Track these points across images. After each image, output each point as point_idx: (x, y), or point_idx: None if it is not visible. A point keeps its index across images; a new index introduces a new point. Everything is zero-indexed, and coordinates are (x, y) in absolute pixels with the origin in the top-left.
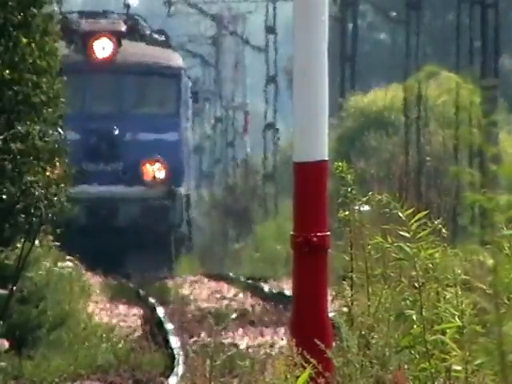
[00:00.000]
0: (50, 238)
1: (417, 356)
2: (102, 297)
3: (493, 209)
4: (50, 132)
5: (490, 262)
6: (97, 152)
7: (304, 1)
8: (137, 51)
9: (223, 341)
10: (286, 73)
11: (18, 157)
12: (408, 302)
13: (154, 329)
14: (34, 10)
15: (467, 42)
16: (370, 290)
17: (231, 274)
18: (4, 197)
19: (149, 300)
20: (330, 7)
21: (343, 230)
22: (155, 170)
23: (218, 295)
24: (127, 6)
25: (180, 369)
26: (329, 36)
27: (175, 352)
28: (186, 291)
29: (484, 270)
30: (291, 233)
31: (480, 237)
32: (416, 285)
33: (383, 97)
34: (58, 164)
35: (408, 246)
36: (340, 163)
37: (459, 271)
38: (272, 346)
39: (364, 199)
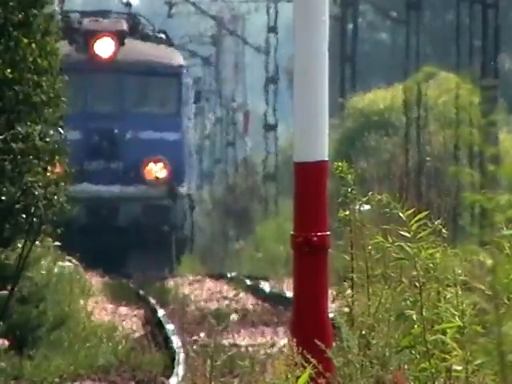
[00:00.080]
0: (50, 238)
1: (417, 356)
2: (102, 297)
3: (493, 209)
4: (51, 132)
5: (489, 262)
6: (98, 151)
7: (304, 1)
8: (138, 50)
9: (224, 341)
10: (287, 73)
11: (19, 157)
12: (408, 302)
13: (155, 329)
14: (35, 10)
15: (467, 42)
16: (371, 289)
17: (231, 274)
18: (4, 197)
19: (149, 300)
20: (331, 7)
21: (343, 229)
22: (157, 170)
23: (219, 295)
24: (129, 5)
25: (180, 369)
26: (329, 36)
27: (175, 352)
28: (186, 291)
29: (484, 270)
30: (291, 233)
31: (479, 237)
32: (416, 285)
33: (383, 96)
34: (58, 164)
35: (408, 246)
36: (340, 163)
37: (459, 271)
38: (272, 345)
39: (364, 199)
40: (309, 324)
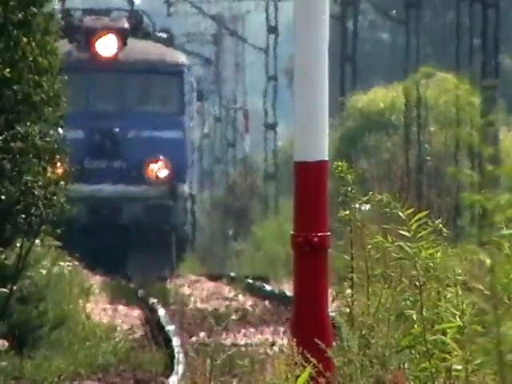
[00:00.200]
0: (51, 237)
1: (417, 356)
2: (102, 297)
3: (492, 209)
4: (51, 132)
5: (488, 262)
6: (100, 150)
7: (305, 0)
8: (140, 49)
9: (224, 341)
10: (286, 72)
11: (18, 156)
12: (408, 301)
13: (155, 329)
14: (35, 9)
15: (467, 42)
16: (371, 289)
17: (232, 274)
18: (4, 197)
19: (149, 300)
20: (331, 6)
21: (343, 229)
22: (159, 169)
23: (219, 295)
24: (131, 3)
25: (180, 368)
26: (329, 35)
27: (175, 351)
28: (186, 291)
29: (483, 270)
30: (291, 233)
31: (479, 237)
32: (416, 284)
33: (383, 95)
34: (58, 163)
35: (408, 246)
36: (340, 163)
37: (459, 271)
38: (272, 345)
39: (364, 199)
40: (309, 324)
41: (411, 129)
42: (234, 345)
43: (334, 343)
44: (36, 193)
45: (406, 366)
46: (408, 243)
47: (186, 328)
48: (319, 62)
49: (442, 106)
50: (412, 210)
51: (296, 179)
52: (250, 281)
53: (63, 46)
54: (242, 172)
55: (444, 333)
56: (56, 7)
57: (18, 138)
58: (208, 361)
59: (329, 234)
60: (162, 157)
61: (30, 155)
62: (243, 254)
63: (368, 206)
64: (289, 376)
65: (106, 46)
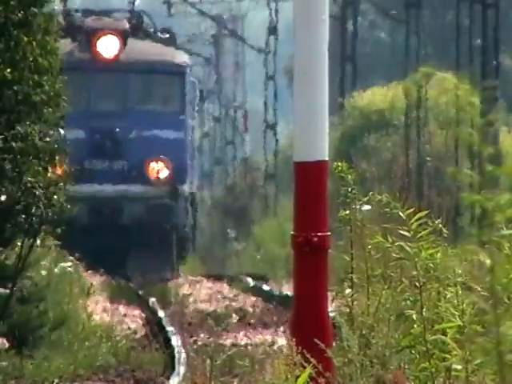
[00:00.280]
0: (51, 237)
1: (417, 356)
2: (102, 297)
3: (492, 209)
4: (51, 132)
5: (488, 262)
6: (102, 150)
7: (305, 0)
8: (141, 49)
9: (224, 341)
10: (286, 72)
11: (18, 156)
12: (408, 301)
13: (155, 329)
14: (35, 9)
15: (467, 42)
16: (371, 289)
17: (232, 274)
18: (4, 197)
19: (149, 300)
20: (331, 6)
21: (344, 229)
22: (160, 169)
23: (219, 295)
24: (132, 3)
25: (180, 369)
26: (329, 35)
27: (175, 351)
28: (186, 291)
29: (483, 270)
30: (292, 233)
31: (479, 237)
32: (416, 285)
33: (383, 94)
34: (58, 163)
35: (408, 246)
36: (340, 163)
37: (459, 271)
38: (272, 345)
39: (364, 199)
40: (309, 324)
41: (411, 129)
42: (234, 345)
43: (334, 343)
44: (36, 193)
45: (406, 366)
46: (408, 243)
47: (186, 328)
48: (319, 62)
49: (442, 105)
50: (412, 210)
51: (296, 179)
52: (251, 284)
53: (65, 45)
54: (241, 172)
55: (444, 333)
56: (57, 7)
57: (19, 138)
58: (208, 361)
59: (329, 234)
60: (163, 157)
61: (31, 155)
62: (244, 254)
63: (368, 206)
64: (289, 376)
65: (107, 47)
